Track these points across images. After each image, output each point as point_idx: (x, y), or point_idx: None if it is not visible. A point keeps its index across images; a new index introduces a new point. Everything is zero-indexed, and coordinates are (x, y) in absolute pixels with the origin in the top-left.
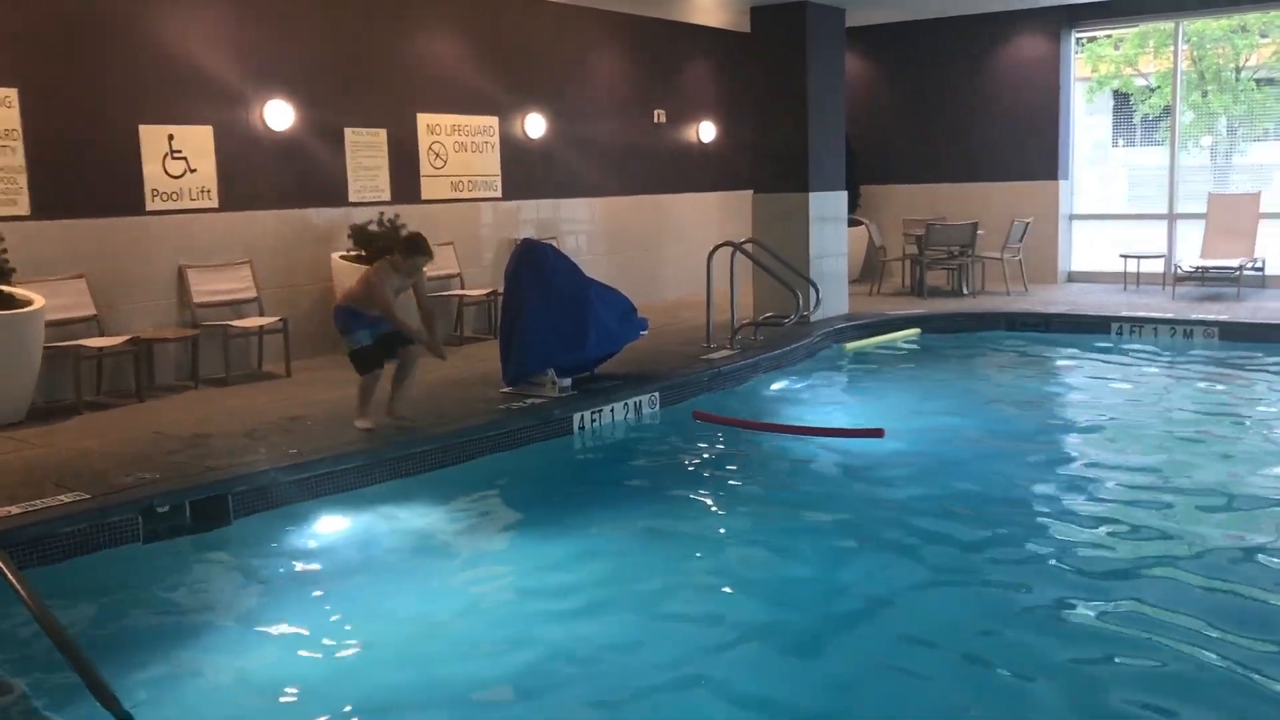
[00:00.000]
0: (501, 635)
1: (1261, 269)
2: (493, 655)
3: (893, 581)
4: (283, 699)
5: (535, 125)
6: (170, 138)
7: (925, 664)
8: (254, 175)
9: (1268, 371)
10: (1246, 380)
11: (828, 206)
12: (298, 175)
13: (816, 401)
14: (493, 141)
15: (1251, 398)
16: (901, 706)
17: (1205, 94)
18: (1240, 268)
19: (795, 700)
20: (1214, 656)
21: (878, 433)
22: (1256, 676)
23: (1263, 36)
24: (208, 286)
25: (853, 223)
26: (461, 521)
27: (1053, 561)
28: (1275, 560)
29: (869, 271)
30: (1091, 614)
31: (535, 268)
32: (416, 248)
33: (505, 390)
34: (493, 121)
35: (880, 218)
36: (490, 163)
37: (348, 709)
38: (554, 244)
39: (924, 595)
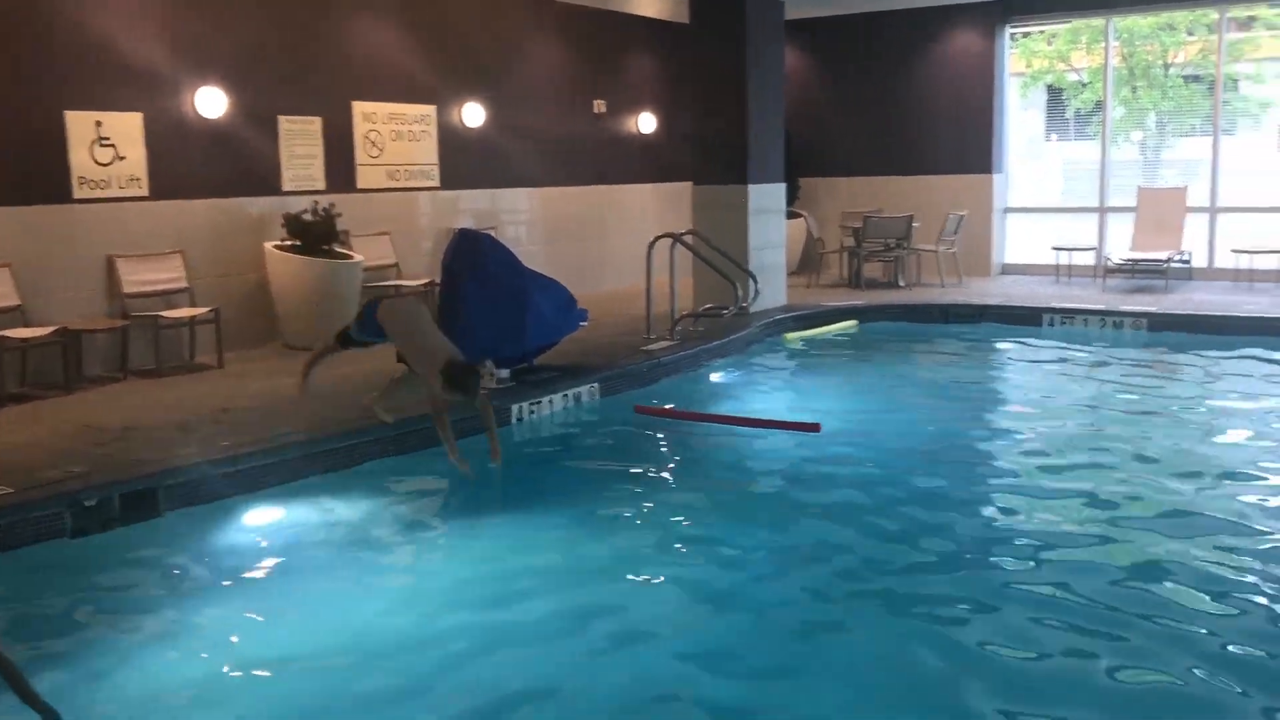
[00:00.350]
0: (437, 628)
1: (1188, 262)
2: (428, 649)
3: (827, 568)
4: (214, 695)
5: (473, 114)
6: (98, 124)
7: (859, 644)
8: (185, 163)
9: (1194, 360)
10: (1174, 368)
11: (766, 198)
12: (230, 164)
13: (756, 392)
14: (430, 130)
15: (1177, 381)
16: (842, 686)
17: (1135, 90)
18: (1168, 260)
19: (736, 685)
20: (1139, 639)
21: (814, 427)
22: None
23: (1189, 34)
24: (137, 276)
25: (791, 215)
26: (397, 515)
27: (985, 547)
28: (1191, 537)
29: (807, 263)
30: (1022, 594)
31: (472, 258)
32: (457, 385)
33: None
34: (430, 110)
35: (818, 210)
36: (428, 152)
37: (280, 704)
38: (493, 234)
39: (858, 580)
